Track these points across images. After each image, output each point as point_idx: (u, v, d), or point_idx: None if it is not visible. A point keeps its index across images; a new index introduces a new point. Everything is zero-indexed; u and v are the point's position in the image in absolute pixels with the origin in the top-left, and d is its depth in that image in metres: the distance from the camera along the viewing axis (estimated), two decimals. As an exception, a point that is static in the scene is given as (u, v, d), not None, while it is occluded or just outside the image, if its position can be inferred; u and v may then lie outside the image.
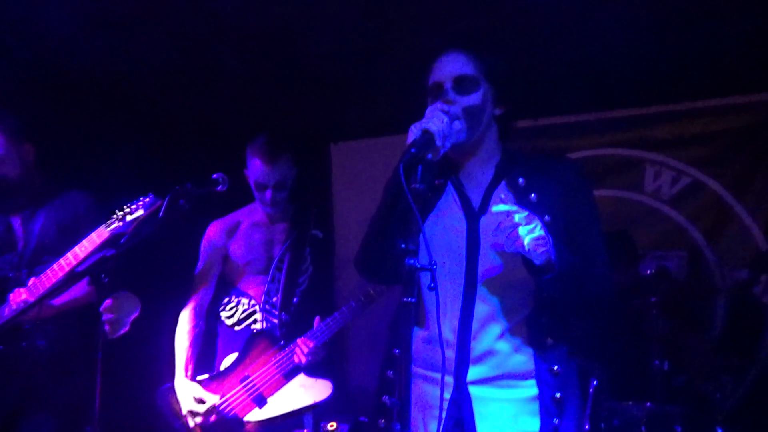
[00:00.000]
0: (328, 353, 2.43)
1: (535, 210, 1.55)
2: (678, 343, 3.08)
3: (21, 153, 2.37)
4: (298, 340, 2.37)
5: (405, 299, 1.40)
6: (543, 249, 1.40)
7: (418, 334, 1.64)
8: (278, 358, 2.40)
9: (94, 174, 2.75)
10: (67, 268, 2.19)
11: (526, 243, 1.38)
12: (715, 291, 3.43)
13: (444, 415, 1.55)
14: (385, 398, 1.48)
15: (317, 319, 2.40)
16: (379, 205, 1.65)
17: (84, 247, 2.19)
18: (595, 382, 2.67)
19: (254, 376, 2.40)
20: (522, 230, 1.38)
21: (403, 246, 1.41)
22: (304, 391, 2.39)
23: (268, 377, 2.39)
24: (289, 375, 2.39)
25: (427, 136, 1.47)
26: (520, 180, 1.61)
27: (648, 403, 2.77)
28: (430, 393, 1.60)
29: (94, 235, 2.19)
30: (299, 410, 2.38)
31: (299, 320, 2.47)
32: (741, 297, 3.38)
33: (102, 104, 3.40)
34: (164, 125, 3.61)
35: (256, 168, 2.48)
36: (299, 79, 3.49)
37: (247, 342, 2.45)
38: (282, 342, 2.43)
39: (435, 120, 1.50)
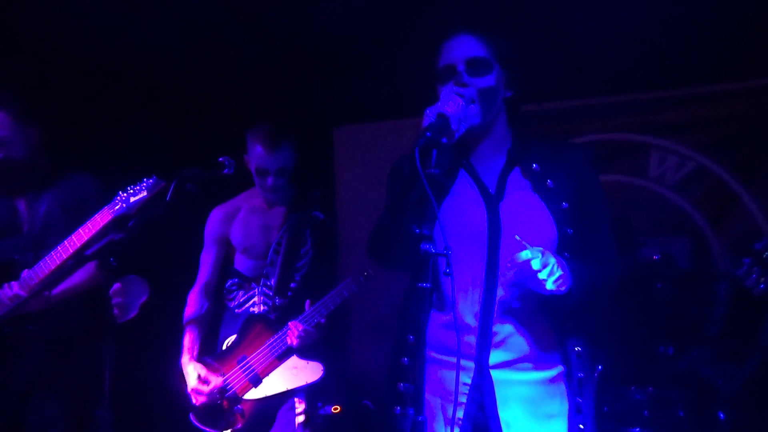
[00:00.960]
0: (325, 336, 2.45)
1: (553, 196, 1.56)
2: (681, 329, 3.09)
3: (27, 135, 2.35)
4: (290, 324, 2.40)
5: (420, 285, 1.40)
6: (564, 288, 1.46)
7: (436, 319, 1.63)
8: (272, 340, 2.45)
9: (99, 156, 2.74)
10: (71, 250, 2.19)
11: (548, 287, 1.44)
12: (718, 277, 3.44)
13: (465, 400, 1.55)
14: (400, 385, 1.48)
15: (308, 302, 2.41)
16: (393, 189, 1.63)
17: (88, 229, 2.19)
18: (599, 367, 2.69)
19: (250, 357, 2.46)
20: (542, 275, 1.43)
21: (418, 231, 1.40)
22: (296, 372, 2.46)
23: (263, 358, 2.45)
24: (282, 357, 2.45)
25: (442, 119, 1.45)
26: (535, 166, 1.61)
27: (650, 388, 2.80)
28: (449, 378, 1.58)
29: (97, 216, 2.19)
30: (291, 391, 2.45)
31: (298, 303, 2.47)
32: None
33: (107, 87, 3.37)
34: (169, 108, 3.59)
35: (257, 154, 2.49)
36: (304, 62, 3.46)
37: (244, 324, 2.51)
38: (276, 325, 2.47)
39: (450, 103, 1.49)
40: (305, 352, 2.45)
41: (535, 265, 1.42)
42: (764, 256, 1.91)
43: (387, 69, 3.50)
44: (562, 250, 1.56)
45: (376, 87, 3.77)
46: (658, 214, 3.61)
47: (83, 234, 2.19)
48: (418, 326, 1.53)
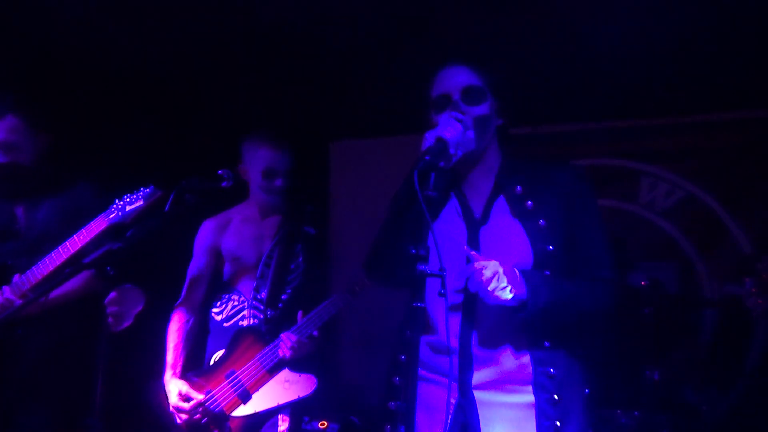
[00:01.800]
0: (316, 348, 2.44)
1: (530, 216, 1.60)
2: (669, 354, 3.13)
3: (37, 141, 2.36)
4: (282, 335, 2.38)
5: (414, 304, 1.44)
6: (511, 298, 1.49)
7: (425, 339, 1.66)
8: (262, 353, 2.41)
9: (98, 164, 2.75)
10: (65, 256, 2.19)
11: (492, 297, 1.49)
12: (705, 303, 3.49)
13: (449, 420, 1.58)
14: (391, 404, 1.50)
15: (300, 313, 2.41)
16: (390, 209, 1.67)
17: (83, 236, 2.19)
18: (586, 390, 2.71)
19: (239, 371, 2.40)
20: (490, 285, 1.48)
21: (414, 252, 1.44)
22: (288, 386, 2.41)
23: (253, 373, 2.40)
24: (273, 370, 2.40)
25: (441, 144, 1.50)
26: (518, 188, 1.66)
27: (636, 412, 2.82)
28: (435, 396, 1.62)
29: (93, 224, 2.20)
30: (283, 406, 2.39)
31: (288, 316, 2.47)
32: (730, 310, 3.45)
33: (107, 96, 3.39)
34: (167, 120, 3.60)
35: (265, 156, 2.49)
36: (303, 76, 3.49)
37: (233, 338, 2.46)
38: (267, 338, 2.44)
39: (450, 128, 1.54)
40: (297, 365, 2.42)
41: (485, 274, 1.47)
42: (763, 276, 1.94)
43: (385, 85, 3.55)
44: (540, 267, 1.59)
45: (374, 103, 3.81)
46: (647, 239, 3.66)
47: (78, 241, 2.20)
48: (410, 346, 1.55)
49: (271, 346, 2.41)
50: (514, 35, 2.93)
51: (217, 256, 2.59)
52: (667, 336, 3.15)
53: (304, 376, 2.43)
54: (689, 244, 3.58)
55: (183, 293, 2.57)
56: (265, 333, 2.46)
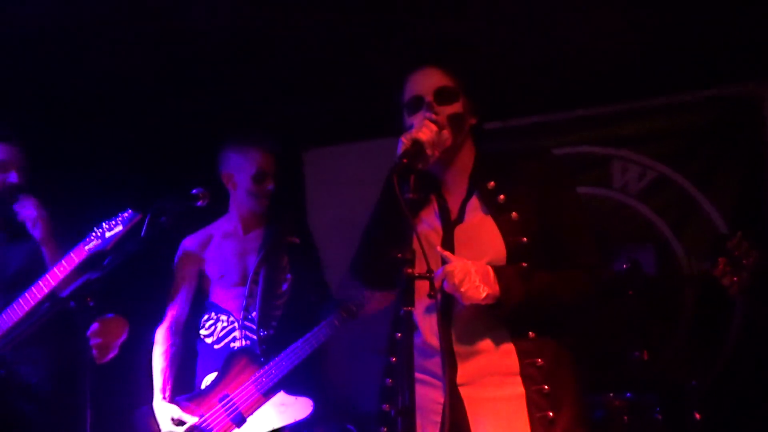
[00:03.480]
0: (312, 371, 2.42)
1: (502, 210, 1.61)
2: (653, 334, 3.18)
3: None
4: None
5: (403, 307, 1.43)
6: (481, 296, 1.49)
7: (414, 340, 1.65)
8: (257, 375, 2.36)
9: (68, 191, 2.69)
10: (45, 290, 2.13)
11: (464, 298, 1.50)
12: (684, 281, 3.55)
13: (440, 419, 1.57)
14: (384, 406, 1.50)
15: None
16: (372, 214, 1.67)
17: (62, 267, 2.14)
18: (579, 373, 2.73)
19: (233, 394, 2.35)
20: (464, 287, 1.49)
21: (399, 256, 1.43)
22: (283, 410, 2.35)
23: (247, 396, 2.34)
24: (268, 393, 2.35)
25: (417, 145, 1.51)
26: (490, 184, 1.66)
27: (628, 393, 2.86)
28: (426, 397, 1.62)
29: (72, 254, 2.15)
30: (278, 430, 2.34)
31: (283, 335, 2.43)
32: (709, 286, 3.51)
33: (74, 119, 3.32)
34: (136, 135, 3.55)
35: (257, 159, 2.45)
36: (271, 87, 3.48)
37: (227, 360, 2.41)
38: (262, 359, 2.39)
39: (425, 129, 1.54)
40: (293, 387, 2.37)
41: (456, 276, 1.48)
42: (735, 254, 1.98)
43: (353, 91, 3.55)
44: (515, 260, 1.59)
45: (343, 109, 3.81)
46: (624, 223, 3.70)
47: (58, 273, 2.14)
48: (399, 348, 1.55)
49: (267, 368, 2.36)
50: (477, 34, 2.96)
51: (199, 275, 2.54)
52: (651, 316, 3.20)
53: (300, 398, 2.38)
54: (664, 224, 3.63)
55: (165, 315, 2.50)
56: (259, 354, 2.40)
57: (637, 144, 3.69)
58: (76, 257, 2.13)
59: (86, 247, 2.13)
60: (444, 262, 1.57)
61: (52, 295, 2.08)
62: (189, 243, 2.57)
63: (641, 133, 3.68)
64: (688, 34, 3.01)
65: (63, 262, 2.13)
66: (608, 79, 3.48)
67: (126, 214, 2.17)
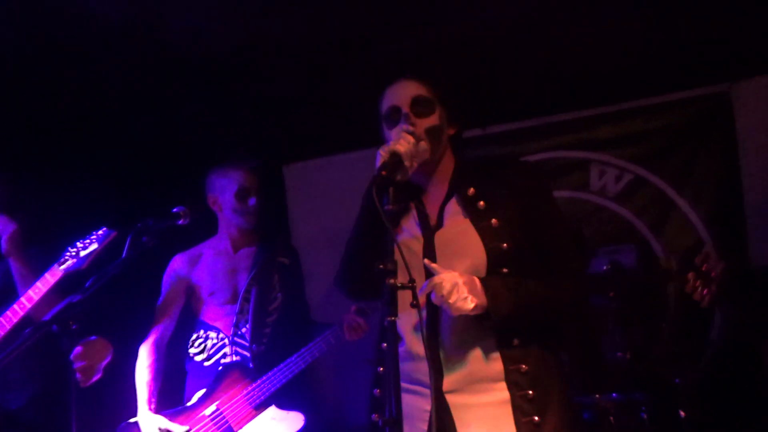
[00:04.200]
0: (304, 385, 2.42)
1: (482, 216, 1.62)
2: (637, 334, 3.22)
3: None
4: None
5: (388, 317, 1.44)
6: (469, 307, 1.50)
7: (399, 349, 1.66)
8: (250, 389, 2.35)
9: (45, 209, 2.67)
10: (21, 313, 2.10)
11: (452, 309, 1.51)
12: (664, 280, 3.60)
13: (427, 427, 1.59)
14: (373, 417, 1.50)
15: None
16: (354, 226, 1.68)
17: (37, 290, 2.11)
18: (564, 377, 2.75)
19: (223, 408, 2.34)
20: (450, 299, 1.50)
21: (381, 267, 1.44)
22: (275, 424, 2.34)
23: (238, 409, 2.34)
24: (260, 407, 2.34)
25: (395, 157, 1.52)
26: (470, 190, 1.68)
27: (614, 394, 2.89)
28: (413, 405, 1.63)
29: (47, 275, 2.12)
30: None
31: (274, 351, 2.43)
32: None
33: (51, 140, 3.30)
34: (114, 156, 3.53)
35: (237, 178, 2.49)
36: (250, 103, 3.48)
37: (218, 374, 2.40)
38: (255, 374, 2.39)
39: (402, 141, 1.55)
40: (284, 402, 2.36)
41: (444, 287, 1.49)
42: (703, 269, 2.02)
43: (330, 104, 3.57)
44: (496, 266, 1.60)
45: (323, 123, 3.83)
46: (604, 224, 3.76)
47: (33, 295, 2.11)
48: (388, 358, 1.55)
49: (259, 382, 2.36)
50: (456, 44, 2.99)
51: (187, 291, 2.54)
52: (634, 316, 3.24)
53: (291, 413, 2.38)
54: (643, 225, 3.69)
55: (152, 330, 2.49)
56: (252, 369, 2.40)
57: (614, 147, 3.76)
58: (51, 278, 2.09)
59: (60, 267, 2.10)
60: (428, 271, 1.58)
61: (31, 319, 2.05)
62: (179, 260, 2.59)
63: (617, 136, 3.75)
64: (661, 39, 3.07)
65: (38, 283, 2.09)
66: (584, 84, 3.53)
67: (100, 232, 2.15)
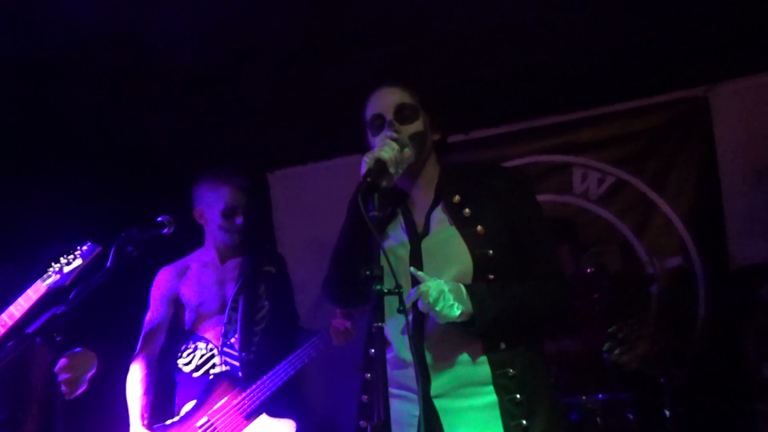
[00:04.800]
0: (294, 393, 2.41)
1: (468, 223, 1.64)
2: (622, 334, 3.24)
3: None
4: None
5: (375, 324, 1.45)
6: (456, 314, 1.52)
7: (387, 355, 1.67)
8: (240, 399, 2.34)
9: (26, 226, 2.64)
10: (3, 330, 2.07)
11: (439, 317, 1.53)
12: (647, 280, 3.65)
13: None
14: (362, 423, 1.51)
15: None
16: (340, 234, 1.69)
17: (20, 306, 2.08)
18: (551, 380, 2.77)
19: (214, 419, 2.33)
20: (437, 306, 1.51)
21: (367, 273, 1.45)
22: None
23: (229, 419, 2.32)
24: (250, 416, 2.33)
25: (380, 164, 1.53)
26: (456, 197, 1.70)
27: (600, 395, 2.91)
28: (402, 410, 1.64)
29: (29, 291, 2.09)
30: None
31: (263, 359, 2.43)
32: (672, 283, 3.62)
33: (29, 152, 3.26)
34: (98, 167, 3.50)
35: (225, 195, 2.48)
36: (234, 112, 3.48)
37: (207, 386, 2.39)
38: (243, 383, 2.38)
39: (386, 148, 1.56)
40: (275, 410, 2.36)
41: (431, 295, 1.51)
42: (619, 336, 2.07)
43: (314, 111, 3.57)
44: (482, 272, 1.62)
45: (307, 130, 3.84)
46: (588, 227, 3.80)
47: (15, 312, 2.08)
48: (376, 364, 1.56)
49: (249, 391, 2.35)
50: (437, 50, 3.01)
51: (175, 303, 2.54)
52: (618, 316, 3.27)
53: (282, 420, 2.37)
54: (626, 227, 3.74)
55: (139, 344, 2.48)
56: (242, 378, 2.39)
57: (595, 150, 3.80)
58: (33, 294, 2.07)
59: (44, 283, 2.07)
60: (414, 278, 1.59)
61: (13, 332, 2.02)
62: (166, 272, 2.58)
63: (598, 139, 3.80)
64: (640, 43, 3.12)
65: (20, 299, 2.06)
66: (566, 89, 3.58)
67: (85, 248, 2.13)
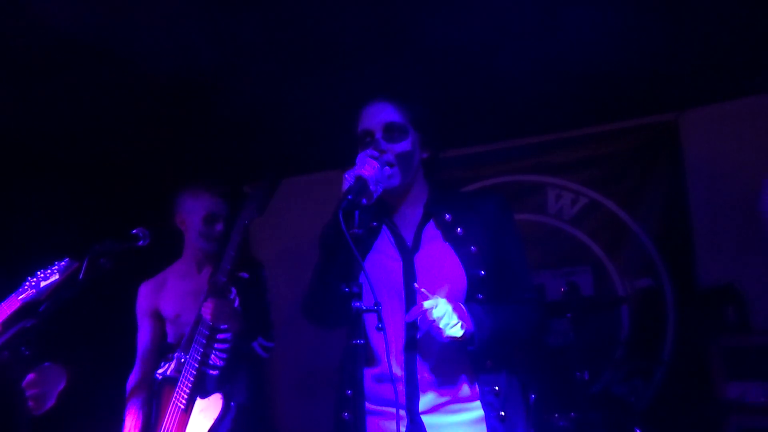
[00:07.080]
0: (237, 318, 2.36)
1: (462, 242, 1.66)
2: (593, 354, 3.29)
3: None
4: (204, 304, 2.31)
5: (354, 341, 1.45)
6: (462, 332, 1.53)
7: (368, 372, 1.67)
8: (174, 396, 2.31)
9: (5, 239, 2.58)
10: None
11: (445, 334, 1.52)
12: (618, 301, 3.71)
13: None
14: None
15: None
16: (319, 250, 1.68)
17: None
18: (533, 396, 2.81)
19: (166, 422, 2.31)
20: (441, 323, 1.51)
21: (346, 290, 1.45)
22: (204, 415, 2.30)
23: (174, 418, 2.31)
24: (188, 408, 2.30)
25: (361, 182, 1.53)
26: (447, 216, 1.71)
27: (572, 413, 2.94)
28: (386, 428, 1.64)
29: (3, 305, 2.03)
30: None
31: (230, 365, 2.40)
32: (642, 304, 3.68)
33: (7, 163, 3.19)
34: (76, 182, 3.44)
35: (206, 202, 2.49)
36: (212, 123, 3.46)
37: (156, 394, 2.37)
38: (177, 381, 2.33)
39: (367, 167, 1.57)
40: (202, 390, 2.33)
41: (435, 313, 1.51)
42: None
43: (295, 126, 3.58)
44: (474, 291, 1.65)
45: (285, 144, 3.83)
46: (561, 246, 3.86)
47: None
48: (354, 381, 1.56)
49: (179, 385, 2.31)
50: (421, 68, 3.05)
51: (158, 318, 2.53)
52: (590, 336, 3.31)
53: (212, 397, 2.33)
54: (598, 247, 3.81)
55: (137, 364, 2.50)
56: (177, 378, 2.34)
57: (568, 172, 3.88)
58: (8, 308, 2.01)
59: (19, 297, 2.02)
60: (407, 293, 1.60)
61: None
62: (144, 289, 2.58)
63: (571, 161, 3.88)
64: (612, 69, 3.20)
65: None
66: (539, 111, 3.65)
67: (63, 263, 2.08)
